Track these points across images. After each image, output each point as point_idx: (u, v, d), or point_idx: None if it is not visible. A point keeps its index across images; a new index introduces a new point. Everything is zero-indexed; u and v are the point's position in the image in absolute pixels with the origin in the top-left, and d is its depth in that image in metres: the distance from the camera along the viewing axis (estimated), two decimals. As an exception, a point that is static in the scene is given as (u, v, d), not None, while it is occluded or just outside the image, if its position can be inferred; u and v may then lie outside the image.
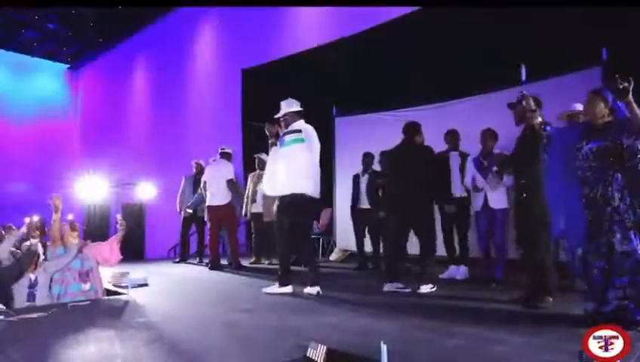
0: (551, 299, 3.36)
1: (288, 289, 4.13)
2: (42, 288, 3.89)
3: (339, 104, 7.60)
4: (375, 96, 7.16)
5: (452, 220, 5.08)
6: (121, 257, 4.29)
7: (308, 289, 4.05)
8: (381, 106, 7.03)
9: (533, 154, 3.38)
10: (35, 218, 5.40)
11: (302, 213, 4.17)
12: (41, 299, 3.87)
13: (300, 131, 4.17)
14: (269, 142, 4.35)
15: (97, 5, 12.23)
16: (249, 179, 6.98)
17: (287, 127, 4.27)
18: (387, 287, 4.22)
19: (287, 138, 4.18)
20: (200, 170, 7.10)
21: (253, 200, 6.73)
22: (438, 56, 6.43)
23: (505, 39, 5.72)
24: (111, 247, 4.18)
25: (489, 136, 4.73)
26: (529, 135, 3.45)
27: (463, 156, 5.06)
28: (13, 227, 5.11)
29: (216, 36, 11.90)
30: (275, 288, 4.15)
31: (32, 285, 3.86)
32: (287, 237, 4.22)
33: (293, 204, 4.12)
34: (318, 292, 3.99)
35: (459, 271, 5.00)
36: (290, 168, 4.12)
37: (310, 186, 4.15)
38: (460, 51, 6.20)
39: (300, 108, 4.32)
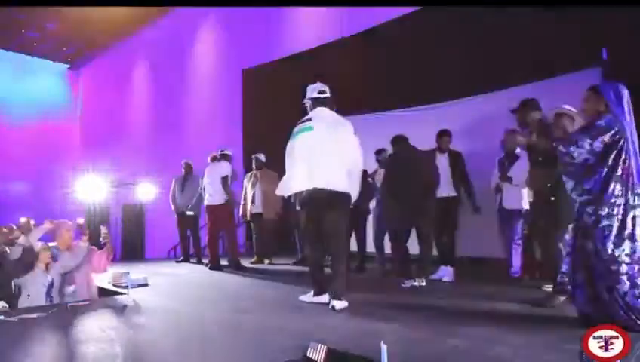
0: (562, 299, 3.33)
1: (324, 298, 3.55)
2: (56, 290, 3.91)
3: (339, 104, 7.58)
4: (375, 96, 7.16)
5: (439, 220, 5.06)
6: (107, 269, 4.33)
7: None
8: (381, 106, 7.03)
9: (549, 160, 3.25)
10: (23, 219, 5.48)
11: (320, 209, 3.57)
12: (55, 300, 3.89)
13: (309, 120, 3.67)
14: None
15: (98, 5, 12.24)
16: (245, 179, 6.98)
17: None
18: (407, 284, 4.43)
19: (296, 129, 3.67)
20: (189, 171, 7.15)
21: (252, 201, 6.73)
22: (438, 56, 6.44)
23: (505, 39, 5.72)
24: (99, 259, 4.21)
25: (511, 136, 4.65)
26: (542, 144, 3.38)
27: (453, 156, 5.04)
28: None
29: (217, 36, 11.91)
30: (310, 296, 3.68)
31: (50, 285, 3.87)
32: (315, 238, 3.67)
33: (310, 199, 3.56)
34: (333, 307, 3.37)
35: (446, 272, 4.91)
36: (301, 161, 3.57)
37: (327, 178, 3.51)
38: (461, 51, 6.20)
39: (319, 95, 3.83)
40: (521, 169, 4.39)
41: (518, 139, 3.67)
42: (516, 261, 4.70)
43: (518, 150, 4.68)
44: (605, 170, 2.64)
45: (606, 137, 2.65)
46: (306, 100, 3.87)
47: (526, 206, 4.58)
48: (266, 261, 6.69)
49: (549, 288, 3.67)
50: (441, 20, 6.56)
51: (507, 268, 4.79)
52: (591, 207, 2.66)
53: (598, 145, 2.66)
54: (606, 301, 2.60)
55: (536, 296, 3.56)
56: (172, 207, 7.16)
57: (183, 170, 7.23)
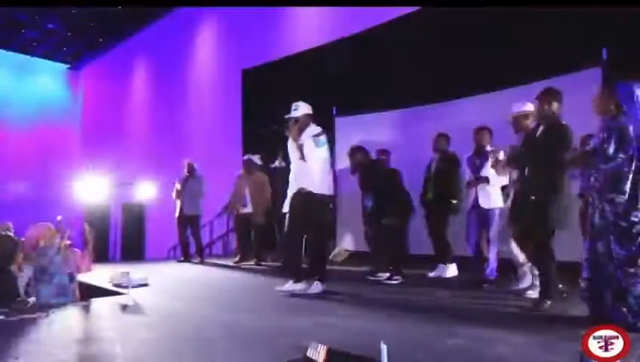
0: (548, 303, 3.25)
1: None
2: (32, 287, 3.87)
3: (339, 104, 7.59)
4: (375, 96, 7.15)
5: (438, 219, 5.14)
6: (91, 269, 4.27)
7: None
8: (381, 106, 7.02)
9: (547, 153, 3.25)
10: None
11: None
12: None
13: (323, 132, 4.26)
14: (298, 143, 4.21)
15: (97, 5, 12.24)
16: (237, 180, 6.92)
17: (305, 126, 4.24)
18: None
19: (323, 138, 4.21)
20: (191, 170, 7.13)
21: (242, 203, 6.70)
22: (439, 56, 6.43)
23: (505, 39, 5.72)
24: (82, 258, 4.17)
25: (482, 134, 4.73)
26: (547, 132, 3.33)
27: (450, 159, 5.10)
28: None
29: (217, 36, 11.91)
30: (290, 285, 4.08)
31: (28, 283, 3.84)
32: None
33: (322, 203, 4.19)
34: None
35: (445, 270, 5.06)
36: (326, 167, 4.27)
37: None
38: (460, 51, 6.20)
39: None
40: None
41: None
42: (493, 262, 4.63)
43: (487, 148, 4.67)
44: (633, 173, 2.59)
45: (631, 139, 2.60)
46: (306, 114, 4.28)
47: (501, 204, 4.54)
48: (251, 261, 6.63)
49: (533, 295, 3.59)
50: (440, 20, 6.55)
51: (479, 268, 4.61)
52: (624, 211, 2.59)
53: (629, 151, 2.61)
54: (609, 305, 2.60)
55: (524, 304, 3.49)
56: (176, 205, 7.13)
57: (185, 170, 7.20)
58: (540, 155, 3.29)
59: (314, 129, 4.22)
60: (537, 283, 3.57)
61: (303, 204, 4.12)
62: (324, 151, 4.20)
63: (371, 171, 5.09)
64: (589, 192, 2.79)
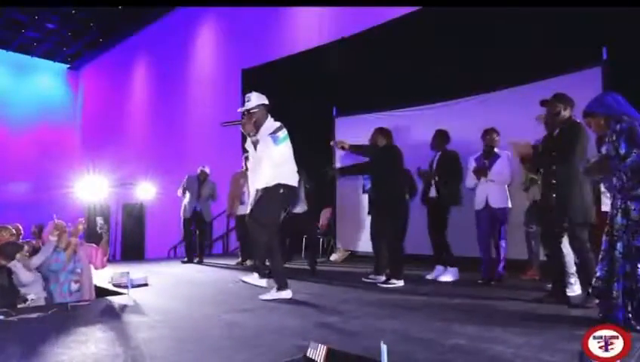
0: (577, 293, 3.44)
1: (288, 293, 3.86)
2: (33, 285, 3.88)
3: (339, 104, 7.60)
4: (375, 96, 7.16)
5: (434, 220, 5.03)
6: (106, 265, 4.28)
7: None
8: (381, 106, 7.03)
9: (568, 151, 3.35)
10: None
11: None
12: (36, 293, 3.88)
13: (282, 127, 3.90)
14: (254, 139, 3.92)
15: (97, 5, 12.26)
16: (234, 178, 6.80)
17: (262, 120, 3.97)
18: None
19: (283, 134, 3.86)
20: (204, 177, 7.08)
21: (241, 201, 6.56)
22: (438, 56, 6.44)
23: (504, 39, 5.72)
24: (96, 254, 4.18)
25: (491, 135, 4.75)
26: (566, 132, 3.43)
27: (448, 156, 5.02)
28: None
29: (217, 36, 11.92)
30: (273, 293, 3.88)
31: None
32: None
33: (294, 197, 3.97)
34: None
35: (445, 272, 4.91)
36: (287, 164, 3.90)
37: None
38: (460, 51, 6.20)
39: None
40: (501, 167, 4.62)
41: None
42: (501, 261, 4.66)
43: (496, 149, 4.72)
44: None
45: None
46: (265, 105, 4.04)
47: (509, 204, 4.67)
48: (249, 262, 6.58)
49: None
50: (441, 20, 6.56)
51: (489, 267, 4.63)
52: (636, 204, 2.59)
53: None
54: (619, 305, 2.60)
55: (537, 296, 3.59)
56: (184, 206, 7.07)
57: (199, 175, 7.12)
58: (557, 155, 3.39)
59: (272, 124, 3.89)
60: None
61: None
62: (283, 148, 3.81)
63: (390, 153, 4.92)
64: (612, 193, 2.77)
